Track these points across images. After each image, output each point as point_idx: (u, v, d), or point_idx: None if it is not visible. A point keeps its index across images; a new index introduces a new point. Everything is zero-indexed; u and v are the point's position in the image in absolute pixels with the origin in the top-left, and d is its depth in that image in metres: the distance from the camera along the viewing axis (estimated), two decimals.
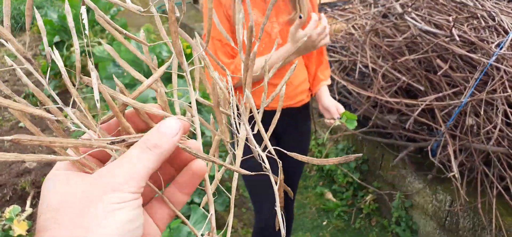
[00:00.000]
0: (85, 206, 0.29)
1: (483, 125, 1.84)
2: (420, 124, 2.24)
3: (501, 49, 1.85)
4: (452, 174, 1.86)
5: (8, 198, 2.74)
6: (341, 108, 1.59)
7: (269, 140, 1.43)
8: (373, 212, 2.73)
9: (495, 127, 1.79)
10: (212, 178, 0.64)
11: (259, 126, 0.41)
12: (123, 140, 0.33)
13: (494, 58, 1.83)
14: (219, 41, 1.47)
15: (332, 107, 1.60)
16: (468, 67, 1.95)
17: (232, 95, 0.41)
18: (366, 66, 2.28)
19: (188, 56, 3.18)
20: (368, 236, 2.61)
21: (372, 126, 2.39)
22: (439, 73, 1.95)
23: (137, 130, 0.36)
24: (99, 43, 3.17)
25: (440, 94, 1.97)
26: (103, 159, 0.35)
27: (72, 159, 0.33)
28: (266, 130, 1.48)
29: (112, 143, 0.33)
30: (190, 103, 0.39)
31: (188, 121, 0.36)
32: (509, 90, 1.76)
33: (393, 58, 2.11)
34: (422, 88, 2.04)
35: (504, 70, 1.81)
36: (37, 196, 2.75)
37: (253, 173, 0.38)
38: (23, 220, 2.37)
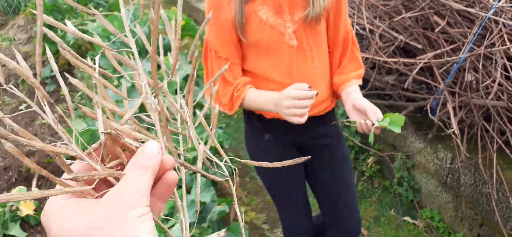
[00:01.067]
0: (117, 224, 0.34)
1: (482, 79, 1.83)
2: (419, 83, 2.23)
3: (499, 1, 1.82)
4: (451, 130, 1.86)
5: (14, 180, 2.77)
6: (379, 112, 1.25)
7: (291, 153, 1.50)
8: (375, 174, 2.75)
9: (494, 81, 1.78)
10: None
11: (213, 139, 0.47)
12: (120, 165, 0.39)
13: (492, 11, 1.81)
14: (215, 52, 1.31)
15: (370, 107, 1.26)
16: (466, 22, 1.93)
17: (188, 117, 0.46)
18: (363, 28, 2.25)
19: (183, 27, 3.15)
20: (371, 198, 2.63)
21: (371, 88, 2.38)
22: (436, 30, 1.92)
23: (114, 155, 0.41)
24: (93, 21, 3.14)
25: (438, 51, 1.95)
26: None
27: (85, 189, 0.37)
28: (290, 140, 1.49)
29: (111, 167, 0.38)
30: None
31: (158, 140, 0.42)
32: (508, 43, 1.74)
33: (390, 17, 2.08)
34: (420, 46, 2.02)
35: (503, 23, 1.78)
36: (41, 177, 2.78)
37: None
38: (30, 200, 2.40)
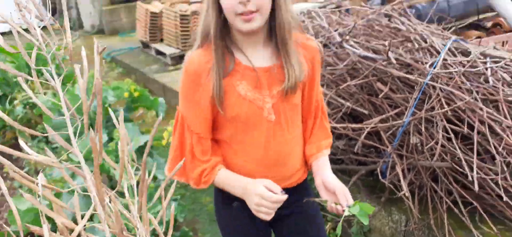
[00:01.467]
0: None
1: (426, 142, 1.90)
2: (368, 147, 2.28)
3: (434, 68, 1.93)
4: (402, 193, 1.89)
5: None
6: (349, 196, 1.25)
7: (264, 228, 1.49)
8: None
9: (437, 143, 1.85)
10: None
11: None
12: None
13: (429, 77, 1.91)
14: (188, 126, 1.29)
15: (340, 190, 1.26)
16: (407, 88, 2.03)
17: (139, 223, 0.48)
18: None
19: (138, 98, 3.12)
20: None
21: None
22: (380, 96, 2.00)
23: None
24: (45, 93, 3.07)
25: (384, 116, 2.02)
26: None
27: None
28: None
29: None
30: None
31: None
32: (446, 107, 1.83)
33: (336, 85, 2.16)
34: (366, 112, 2.09)
35: (440, 88, 1.88)
36: None
37: None
38: None
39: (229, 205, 1.41)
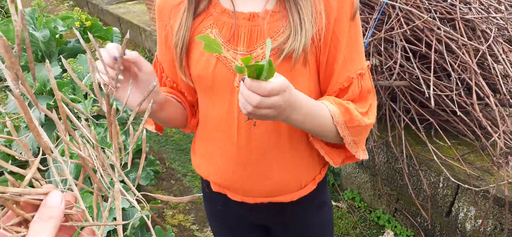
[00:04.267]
0: None
1: (385, 62, 1.92)
2: None
3: None
4: None
5: None
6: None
7: (246, 228, 1.11)
8: None
9: (395, 63, 1.88)
10: None
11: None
12: (22, 223, 0.39)
13: None
14: (161, 69, 1.02)
15: None
16: (367, 8, 2.01)
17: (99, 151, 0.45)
18: None
19: (91, 28, 2.97)
20: None
21: None
22: None
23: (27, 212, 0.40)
24: None
25: None
26: None
27: None
28: (253, 221, 1.10)
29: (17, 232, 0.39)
30: None
31: (67, 191, 0.42)
32: (405, 26, 1.84)
33: None
34: None
35: (399, 8, 1.88)
36: None
37: None
38: None
39: (212, 206, 1.18)
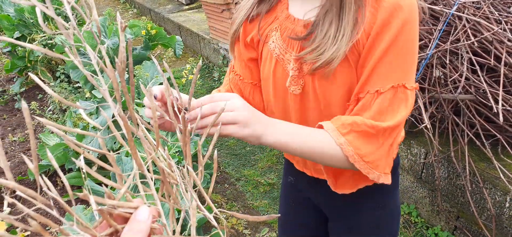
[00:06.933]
0: None
1: (449, 74, 1.87)
2: None
3: None
4: (424, 125, 1.89)
5: None
6: None
7: (311, 211, 1.21)
8: None
9: (461, 75, 1.82)
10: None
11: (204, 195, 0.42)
12: (113, 233, 0.43)
13: (455, 7, 1.85)
14: (232, 67, 1.10)
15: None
16: (431, 19, 1.97)
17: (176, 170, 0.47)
18: None
19: (155, 36, 3.11)
20: None
21: None
22: None
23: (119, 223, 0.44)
24: (61, 33, 3.08)
25: None
26: None
27: None
28: (311, 199, 1.18)
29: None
30: None
31: (151, 206, 0.45)
32: (472, 38, 1.78)
33: None
34: None
35: (466, 19, 1.83)
36: (14, 196, 2.69)
37: None
38: (2, 220, 2.33)
39: (286, 177, 1.30)
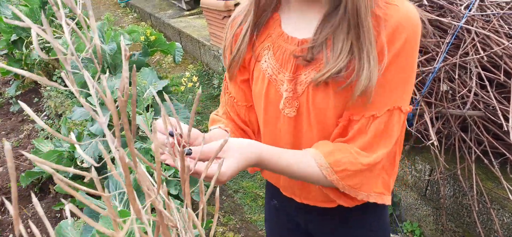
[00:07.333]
0: None
1: (458, 89, 1.80)
2: None
3: (470, 10, 1.80)
4: (431, 141, 1.81)
5: None
6: None
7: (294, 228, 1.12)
8: None
9: (469, 91, 1.75)
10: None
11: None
12: None
13: (464, 20, 1.79)
14: (226, 86, 1.05)
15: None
16: (439, 32, 1.90)
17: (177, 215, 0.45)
18: None
19: (154, 43, 3.05)
20: None
21: None
22: None
23: None
24: (59, 37, 3.02)
25: None
26: None
27: None
28: (296, 215, 1.10)
29: None
30: None
31: None
32: (481, 52, 1.71)
33: None
34: None
35: (475, 32, 1.76)
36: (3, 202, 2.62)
37: None
38: None
39: (269, 200, 1.23)
